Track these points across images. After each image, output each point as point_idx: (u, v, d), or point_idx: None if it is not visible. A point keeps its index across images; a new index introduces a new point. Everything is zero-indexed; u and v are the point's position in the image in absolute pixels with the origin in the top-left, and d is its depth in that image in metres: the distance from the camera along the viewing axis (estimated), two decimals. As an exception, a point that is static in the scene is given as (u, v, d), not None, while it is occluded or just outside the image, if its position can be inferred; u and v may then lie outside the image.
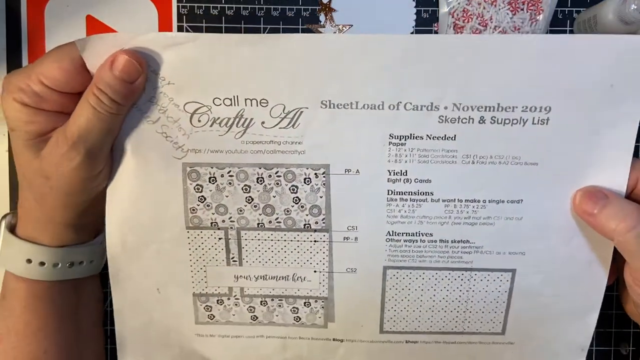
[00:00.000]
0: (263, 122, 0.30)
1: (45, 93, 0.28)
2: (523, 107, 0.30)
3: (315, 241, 0.33)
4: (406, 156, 0.31)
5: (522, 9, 0.35)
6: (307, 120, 0.30)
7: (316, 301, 0.35)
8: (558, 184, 0.31)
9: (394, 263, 0.33)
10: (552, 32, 0.37)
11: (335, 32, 0.37)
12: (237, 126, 0.31)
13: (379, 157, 0.31)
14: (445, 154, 0.31)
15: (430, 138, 0.31)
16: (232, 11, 0.37)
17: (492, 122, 0.30)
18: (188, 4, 0.37)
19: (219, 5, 0.37)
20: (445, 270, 0.33)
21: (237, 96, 0.30)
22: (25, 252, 0.31)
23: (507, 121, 0.30)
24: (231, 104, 0.30)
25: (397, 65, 0.29)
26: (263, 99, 0.30)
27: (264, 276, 0.34)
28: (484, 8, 0.35)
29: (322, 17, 0.38)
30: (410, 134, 0.31)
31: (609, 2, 0.33)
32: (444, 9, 0.36)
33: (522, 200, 0.31)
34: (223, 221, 0.33)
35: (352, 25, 0.37)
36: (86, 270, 0.33)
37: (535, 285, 0.33)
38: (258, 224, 0.33)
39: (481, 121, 0.30)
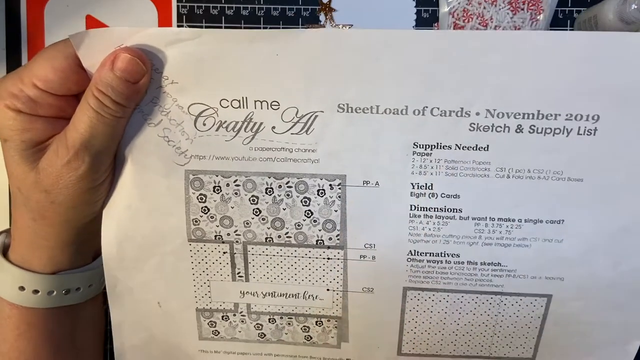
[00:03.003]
0: (274, 127, 0.28)
1: (40, 97, 0.25)
2: (567, 115, 0.26)
3: (328, 258, 0.30)
4: (432, 168, 0.28)
5: (523, 9, 0.35)
6: (322, 126, 0.27)
7: (329, 320, 0.32)
8: (605, 203, 0.27)
9: (416, 284, 0.30)
10: (553, 32, 0.37)
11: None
12: (245, 131, 0.28)
13: (402, 169, 0.28)
14: (477, 167, 0.28)
15: (459, 148, 0.27)
16: (232, 11, 0.37)
17: (531, 131, 0.27)
18: (188, 4, 0.37)
19: (219, 5, 0.37)
20: (472, 293, 0.30)
21: (246, 97, 0.27)
22: (17, 278, 0.28)
23: (548, 131, 0.27)
24: (239, 106, 0.27)
25: (423, 65, 0.26)
26: (274, 101, 0.27)
27: (272, 293, 0.32)
28: (484, 8, 0.35)
29: (322, 17, 0.37)
30: (437, 143, 0.27)
31: (610, 1, 0.32)
32: (444, 9, 0.36)
33: (563, 220, 0.28)
34: (228, 234, 0.30)
35: (352, 25, 0.37)
36: (84, 295, 0.31)
37: (573, 313, 0.30)
38: (266, 238, 0.30)
39: (518, 130, 0.27)
